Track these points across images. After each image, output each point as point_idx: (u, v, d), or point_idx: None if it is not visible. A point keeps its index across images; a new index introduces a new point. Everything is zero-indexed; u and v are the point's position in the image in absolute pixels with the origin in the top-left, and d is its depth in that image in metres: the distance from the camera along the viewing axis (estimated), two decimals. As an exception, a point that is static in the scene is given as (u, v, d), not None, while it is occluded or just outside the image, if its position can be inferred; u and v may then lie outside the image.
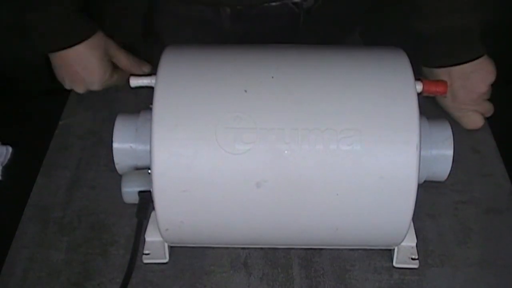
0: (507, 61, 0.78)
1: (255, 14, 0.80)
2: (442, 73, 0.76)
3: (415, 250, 0.65)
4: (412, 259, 0.65)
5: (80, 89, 0.81)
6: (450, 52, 0.75)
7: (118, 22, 0.84)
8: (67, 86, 0.81)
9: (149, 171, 0.57)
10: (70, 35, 0.76)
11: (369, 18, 0.89)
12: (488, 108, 0.79)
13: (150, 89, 0.59)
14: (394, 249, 0.65)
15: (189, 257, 0.66)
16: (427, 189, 0.67)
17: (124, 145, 0.62)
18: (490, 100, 0.79)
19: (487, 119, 0.80)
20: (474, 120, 0.79)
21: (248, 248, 0.67)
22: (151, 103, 0.57)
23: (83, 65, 0.78)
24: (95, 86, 0.80)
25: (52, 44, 0.77)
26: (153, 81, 0.58)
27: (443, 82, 0.62)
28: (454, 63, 0.75)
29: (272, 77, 0.57)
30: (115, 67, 0.82)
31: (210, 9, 0.80)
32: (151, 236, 0.65)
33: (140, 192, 0.62)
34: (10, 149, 0.81)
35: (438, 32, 0.74)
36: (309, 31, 0.82)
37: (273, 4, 0.79)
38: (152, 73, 0.59)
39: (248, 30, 0.81)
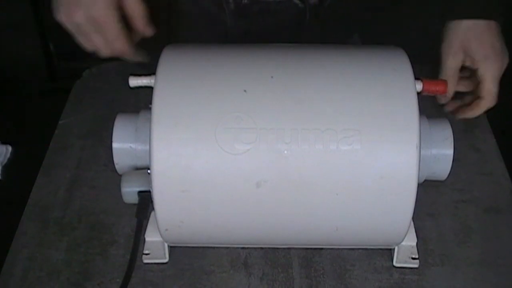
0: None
1: (259, 9, 0.80)
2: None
3: (415, 249, 0.65)
4: (413, 258, 0.65)
5: (78, 17, 0.66)
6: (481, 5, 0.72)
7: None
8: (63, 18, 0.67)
9: (149, 171, 0.57)
10: None
11: (371, 15, 0.88)
12: (467, 87, 0.74)
13: (149, 89, 0.59)
14: (394, 249, 0.65)
15: (189, 257, 0.66)
16: (427, 188, 0.67)
17: (123, 145, 0.62)
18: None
19: (487, 118, 0.80)
20: (450, 75, 0.73)
21: (248, 248, 0.67)
22: (151, 103, 0.57)
23: None
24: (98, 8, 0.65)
25: None
26: (152, 81, 0.58)
27: (443, 82, 0.62)
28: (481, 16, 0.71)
29: (272, 77, 0.57)
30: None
31: (214, 4, 0.79)
32: (151, 236, 0.64)
33: (139, 192, 0.62)
34: (10, 148, 0.81)
35: None
36: (313, 29, 0.82)
37: None
38: (152, 73, 0.59)
39: (252, 26, 0.81)
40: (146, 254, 0.65)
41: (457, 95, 0.75)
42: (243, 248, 0.67)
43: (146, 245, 0.65)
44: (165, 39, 0.82)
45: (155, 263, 0.65)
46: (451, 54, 0.72)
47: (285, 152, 0.55)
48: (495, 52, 0.72)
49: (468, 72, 0.73)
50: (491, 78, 0.71)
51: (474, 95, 0.73)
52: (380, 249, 0.66)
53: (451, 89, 0.73)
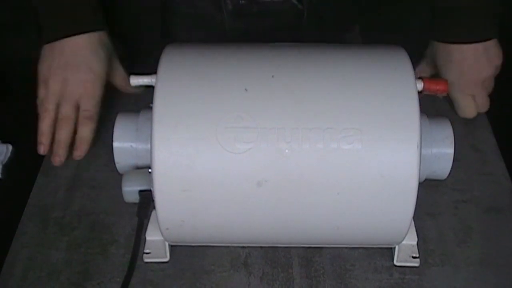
0: (507, 61, 0.77)
1: (257, 10, 0.80)
2: (455, 50, 0.74)
3: (416, 248, 0.65)
4: (413, 257, 0.65)
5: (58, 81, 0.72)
6: (470, 28, 0.73)
7: (137, 23, 0.83)
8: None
9: (150, 170, 0.57)
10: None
11: (370, 13, 0.88)
12: (484, 101, 0.78)
13: (150, 88, 0.59)
14: (394, 248, 0.65)
15: (189, 256, 0.66)
16: (427, 187, 0.67)
17: (124, 144, 0.62)
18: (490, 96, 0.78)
19: (488, 117, 0.80)
20: (469, 106, 0.77)
21: (248, 247, 0.67)
22: (152, 102, 0.57)
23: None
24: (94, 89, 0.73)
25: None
26: (153, 80, 0.58)
27: (444, 81, 0.62)
28: (472, 40, 0.73)
29: (273, 76, 0.57)
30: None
31: (211, 4, 0.79)
32: (152, 235, 0.64)
33: (140, 191, 0.62)
34: (10, 147, 0.81)
35: (459, 7, 0.73)
36: (312, 29, 0.82)
37: (276, 0, 0.79)
38: (153, 72, 0.59)
39: (250, 27, 0.81)
40: (147, 253, 0.65)
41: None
42: (243, 247, 0.67)
43: (147, 244, 0.65)
44: (162, 40, 0.82)
45: (155, 262, 0.65)
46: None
47: (286, 151, 0.55)
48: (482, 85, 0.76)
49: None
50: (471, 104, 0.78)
51: None
52: (380, 248, 0.67)
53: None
